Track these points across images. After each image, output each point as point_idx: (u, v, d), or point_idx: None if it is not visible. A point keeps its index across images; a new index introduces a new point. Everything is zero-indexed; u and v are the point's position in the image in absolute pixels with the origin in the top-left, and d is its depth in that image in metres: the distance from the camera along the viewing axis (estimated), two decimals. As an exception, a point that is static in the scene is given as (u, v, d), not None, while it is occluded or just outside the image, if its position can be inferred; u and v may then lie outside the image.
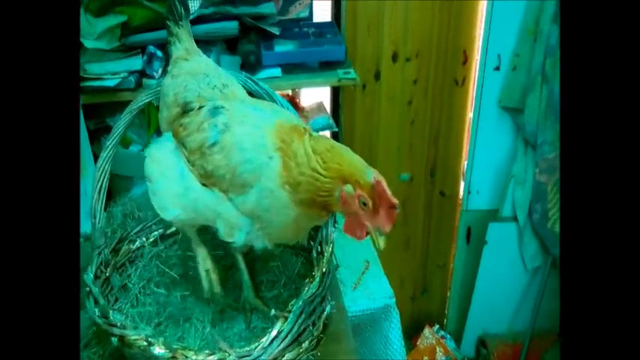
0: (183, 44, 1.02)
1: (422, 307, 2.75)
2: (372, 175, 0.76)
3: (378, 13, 2.10)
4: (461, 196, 2.49)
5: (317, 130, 1.41)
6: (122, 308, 1.02)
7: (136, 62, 1.62)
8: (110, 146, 1.03)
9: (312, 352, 0.92)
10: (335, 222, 1.03)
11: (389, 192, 0.75)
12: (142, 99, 1.05)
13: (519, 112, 2.16)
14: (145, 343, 0.79)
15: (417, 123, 2.35)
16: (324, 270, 0.93)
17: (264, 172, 0.81)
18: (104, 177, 1.03)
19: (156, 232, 1.17)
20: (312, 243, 1.02)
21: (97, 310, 0.85)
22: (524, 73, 2.10)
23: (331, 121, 1.94)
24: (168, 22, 1.02)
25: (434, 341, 2.54)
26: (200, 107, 0.90)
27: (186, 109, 0.92)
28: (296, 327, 0.86)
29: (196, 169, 0.87)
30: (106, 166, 1.03)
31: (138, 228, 1.15)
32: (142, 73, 1.65)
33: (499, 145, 2.30)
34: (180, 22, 1.02)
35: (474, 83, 2.27)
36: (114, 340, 0.81)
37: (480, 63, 2.18)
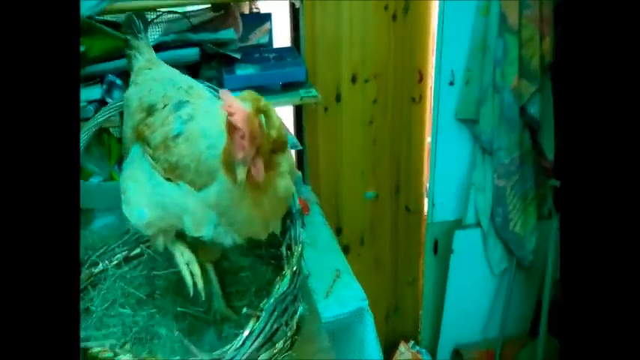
0: (145, 56, 1.02)
1: (396, 325, 2.77)
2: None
3: (336, 37, 2.18)
4: (426, 210, 2.55)
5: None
6: (86, 330, 1.00)
7: (95, 91, 1.62)
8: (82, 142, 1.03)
9: (287, 354, 0.93)
10: (303, 223, 1.05)
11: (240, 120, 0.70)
12: (102, 114, 1.05)
13: (475, 123, 2.26)
14: (111, 354, 0.78)
15: (379, 142, 2.41)
16: (294, 269, 0.95)
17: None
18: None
19: (119, 255, 1.15)
20: (281, 249, 1.03)
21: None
22: (476, 86, 2.21)
23: (295, 140, 1.98)
24: (127, 37, 1.03)
25: (410, 357, 2.55)
26: (165, 106, 0.89)
27: (150, 112, 0.91)
28: (268, 326, 0.87)
29: (160, 164, 0.85)
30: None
31: (100, 251, 1.14)
32: (102, 102, 1.65)
33: (458, 156, 2.38)
34: (140, 35, 1.03)
35: (431, 99, 2.36)
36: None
37: (435, 79, 2.28)
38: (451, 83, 2.28)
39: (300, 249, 0.99)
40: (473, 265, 2.44)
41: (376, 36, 2.22)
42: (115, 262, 1.13)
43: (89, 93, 1.62)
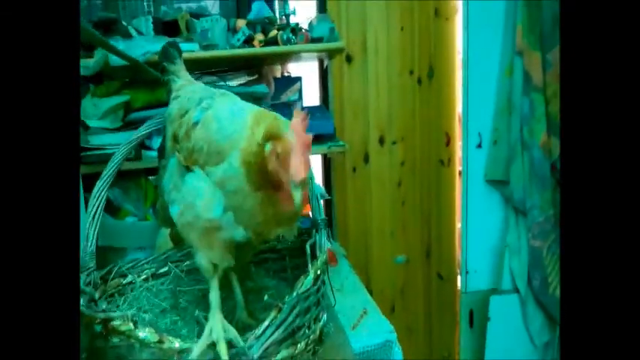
0: (183, 78, 1.08)
1: (432, 405, 2.56)
2: (289, 125, 0.74)
3: (363, 100, 2.26)
4: (459, 278, 2.45)
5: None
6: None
7: None
8: (107, 175, 1.07)
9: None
10: (329, 236, 1.03)
11: (301, 137, 0.72)
12: (144, 129, 1.11)
13: (505, 184, 2.23)
14: (131, 327, 0.75)
15: (408, 204, 2.40)
16: (317, 272, 0.92)
17: (237, 144, 0.80)
18: (99, 203, 1.05)
19: (148, 270, 1.16)
20: (305, 250, 1.01)
21: (82, 299, 0.82)
22: (504, 146, 2.21)
23: (323, 189, 2.00)
24: (164, 64, 1.09)
25: None
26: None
27: (184, 114, 0.94)
28: (290, 318, 0.83)
29: (182, 152, 0.88)
30: (102, 193, 1.05)
31: (130, 265, 1.15)
32: (141, 146, 1.72)
33: (490, 219, 2.33)
34: (176, 61, 1.09)
35: (459, 162, 2.37)
36: (97, 327, 0.77)
37: (463, 142, 2.30)
38: (479, 146, 2.30)
39: (324, 256, 0.97)
40: (512, 335, 2.28)
41: (402, 99, 2.30)
42: (143, 277, 1.13)
43: (131, 136, 1.69)
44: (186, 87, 1.05)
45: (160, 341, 0.75)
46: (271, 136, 0.75)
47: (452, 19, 2.36)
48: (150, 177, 1.81)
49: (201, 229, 0.90)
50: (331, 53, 1.91)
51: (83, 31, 1.07)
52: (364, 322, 1.37)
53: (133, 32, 1.64)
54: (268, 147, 0.75)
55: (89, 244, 1.02)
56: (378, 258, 2.41)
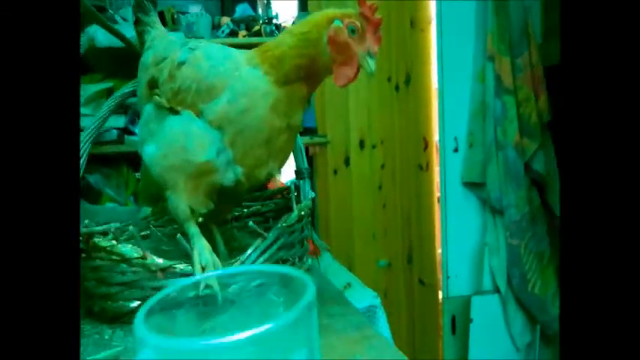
0: (157, 29, 1.03)
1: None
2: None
3: (343, 104, 2.34)
4: (440, 283, 2.47)
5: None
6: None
7: (119, 120, 1.74)
8: (96, 121, 1.05)
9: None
10: (312, 187, 1.05)
11: (372, 17, 0.78)
12: (127, 87, 1.12)
13: (482, 186, 2.30)
14: (113, 242, 0.76)
15: (389, 207, 2.44)
16: (302, 213, 0.94)
17: (233, 77, 0.80)
18: (86, 147, 1.02)
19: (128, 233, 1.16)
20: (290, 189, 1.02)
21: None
22: (479, 148, 2.29)
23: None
24: (138, 15, 1.04)
25: None
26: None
27: (163, 60, 0.90)
28: (274, 247, 0.85)
29: (164, 95, 0.85)
30: (90, 137, 1.03)
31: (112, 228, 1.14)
32: (125, 130, 1.76)
33: (469, 221, 2.37)
34: (150, 13, 1.05)
35: (437, 166, 2.44)
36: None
37: (440, 147, 2.37)
38: (455, 150, 2.37)
39: (308, 203, 0.99)
40: (494, 336, 2.29)
41: (381, 105, 2.38)
42: (124, 238, 1.13)
43: (115, 121, 1.73)
44: (160, 38, 1.01)
45: (143, 257, 0.76)
46: (330, 19, 0.78)
47: (426, 29, 2.47)
48: (136, 174, 1.83)
49: (189, 172, 0.88)
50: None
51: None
52: (348, 292, 1.38)
53: (120, 20, 1.70)
54: (338, 22, 0.78)
55: None
56: (361, 261, 2.42)
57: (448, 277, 2.39)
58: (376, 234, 2.43)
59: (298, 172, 1.06)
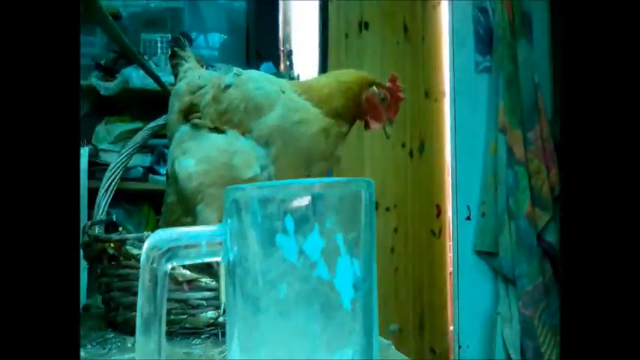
0: (191, 63, 1.08)
1: None
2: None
3: (358, 166, 2.40)
4: (452, 353, 2.43)
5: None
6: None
7: (146, 159, 1.81)
8: (125, 153, 1.09)
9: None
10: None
11: (395, 92, 0.91)
12: (158, 121, 1.16)
13: (494, 256, 2.30)
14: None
15: (401, 271, 2.44)
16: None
17: (280, 97, 0.87)
18: (114, 178, 1.06)
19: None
20: None
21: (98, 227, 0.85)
22: (492, 218, 2.31)
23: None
24: (174, 49, 1.09)
25: None
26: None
27: (200, 89, 0.95)
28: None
29: (209, 117, 0.89)
30: (118, 171, 1.08)
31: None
32: (150, 170, 1.82)
33: (481, 290, 2.36)
34: (185, 48, 1.10)
35: (450, 234, 2.46)
36: (110, 250, 0.80)
37: (452, 215, 2.41)
38: (468, 218, 2.40)
39: None
40: (507, 411, 2.22)
41: (395, 170, 2.44)
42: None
43: (141, 160, 1.80)
44: (194, 69, 1.06)
45: (172, 268, 0.78)
46: (368, 82, 0.91)
47: (440, 99, 2.58)
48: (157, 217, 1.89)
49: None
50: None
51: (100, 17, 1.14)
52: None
53: (153, 66, 1.80)
54: (374, 89, 0.90)
55: (100, 212, 1.05)
56: (370, 328, 2.40)
57: (460, 347, 2.35)
58: (387, 298, 2.42)
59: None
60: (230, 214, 0.34)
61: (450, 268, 2.48)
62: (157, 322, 0.36)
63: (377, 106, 0.91)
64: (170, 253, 0.37)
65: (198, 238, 0.36)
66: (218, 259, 0.38)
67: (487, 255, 2.35)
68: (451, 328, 2.44)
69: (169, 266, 0.37)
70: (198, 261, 0.40)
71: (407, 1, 2.55)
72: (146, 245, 0.38)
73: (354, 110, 0.91)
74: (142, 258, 0.36)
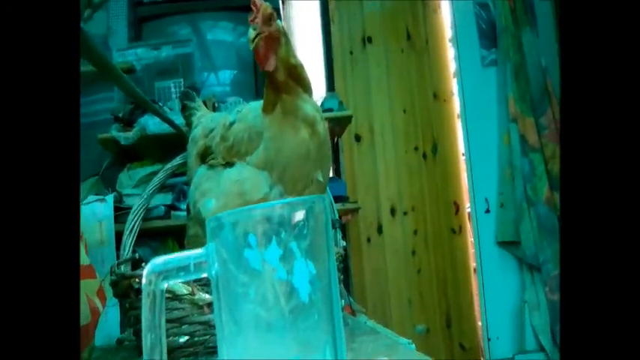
0: (202, 110, 1.16)
1: None
2: None
3: (373, 173, 2.44)
4: (482, 346, 2.43)
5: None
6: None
7: (167, 198, 1.89)
8: (145, 196, 1.16)
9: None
10: (343, 235, 1.08)
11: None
12: (177, 160, 1.22)
13: (516, 244, 2.31)
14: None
15: (424, 272, 2.46)
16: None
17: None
18: (137, 219, 1.12)
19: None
20: None
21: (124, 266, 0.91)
22: (511, 207, 2.32)
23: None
24: (185, 103, 1.17)
25: None
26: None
27: (212, 131, 1.00)
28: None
29: (220, 154, 0.94)
30: (140, 212, 1.14)
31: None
32: (171, 207, 1.90)
33: (506, 281, 2.36)
34: (195, 100, 1.18)
35: (470, 229, 2.47)
36: (136, 285, 0.82)
37: (471, 210, 2.42)
38: (487, 211, 2.41)
39: (340, 250, 1.04)
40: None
41: (409, 173, 2.47)
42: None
43: (162, 199, 1.88)
44: (206, 115, 1.13)
45: (192, 293, 0.82)
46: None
47: (449, 100, 2.60)
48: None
49: None
50: (341, 124, 2.10)
51: (103, 65, 1.20)
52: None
53: (167, 111, 1.89)
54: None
55: (125, 251, 1.11)
56: (398, 327, 2.42)
57: (489, 340, 2.35)
58: (412, 299, 2.44)
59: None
60: (212, 238, 0.41)
61: (473, 264, 2.49)
62: (157, 328, 0.43)
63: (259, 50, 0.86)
64: (165, 274, 0.44)
65: (187, 260, 0.43)
66: (204, 275, 0.44)
67: (510, 245, 2.35)
68: (479, 323, 2.45)
69: (165, 285, 0.44)
70: (188, 279, 0.46)
71: (408, 8, 2.59)
72: (146, 270, 0.44)
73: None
74: (143, 281, 0.43)
